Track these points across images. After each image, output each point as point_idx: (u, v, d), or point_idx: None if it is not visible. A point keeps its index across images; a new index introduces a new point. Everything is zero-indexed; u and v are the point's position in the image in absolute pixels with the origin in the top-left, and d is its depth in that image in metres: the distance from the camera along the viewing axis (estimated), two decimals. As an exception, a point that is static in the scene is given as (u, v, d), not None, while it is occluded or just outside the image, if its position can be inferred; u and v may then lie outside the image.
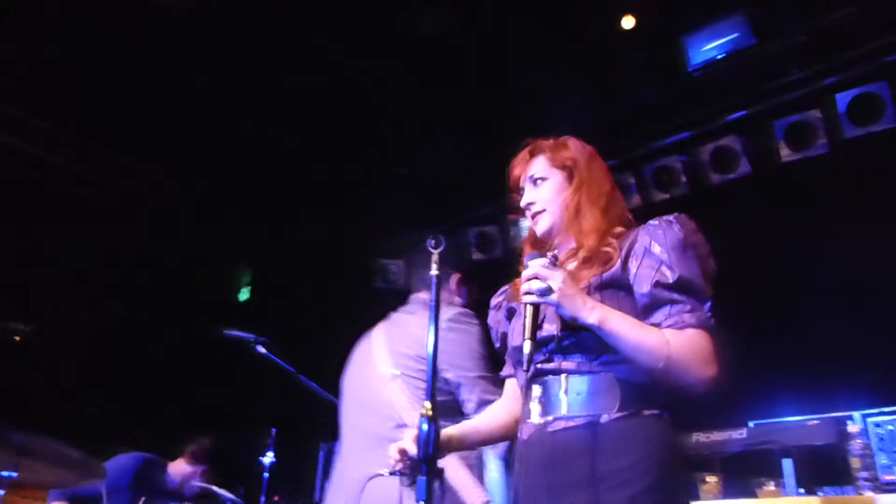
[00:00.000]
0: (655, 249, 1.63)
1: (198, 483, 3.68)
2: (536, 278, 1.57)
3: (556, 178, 1.81)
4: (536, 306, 1.59)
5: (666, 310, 1.59)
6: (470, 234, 4.94)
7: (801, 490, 2.75)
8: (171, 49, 4.11)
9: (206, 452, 3.86)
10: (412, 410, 2.22)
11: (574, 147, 1.86)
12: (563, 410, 1.60)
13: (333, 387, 3.16)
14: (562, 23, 4.04)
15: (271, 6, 3.95)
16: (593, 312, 1.55)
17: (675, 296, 1.58)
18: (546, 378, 1.66)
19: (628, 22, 4.01)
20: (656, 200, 4.50)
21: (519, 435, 1.73)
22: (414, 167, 5.12)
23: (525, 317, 1.58)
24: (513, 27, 4.07)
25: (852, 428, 2.68)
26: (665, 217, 1.69)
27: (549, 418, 1.62)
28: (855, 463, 2.53)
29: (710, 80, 4.19)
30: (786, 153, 4.08)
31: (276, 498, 3.62)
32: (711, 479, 2.87)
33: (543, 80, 4.44)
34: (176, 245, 5.63)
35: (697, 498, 2.80)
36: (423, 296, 2.55)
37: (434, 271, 1.61)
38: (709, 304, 1.59)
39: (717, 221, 4.41)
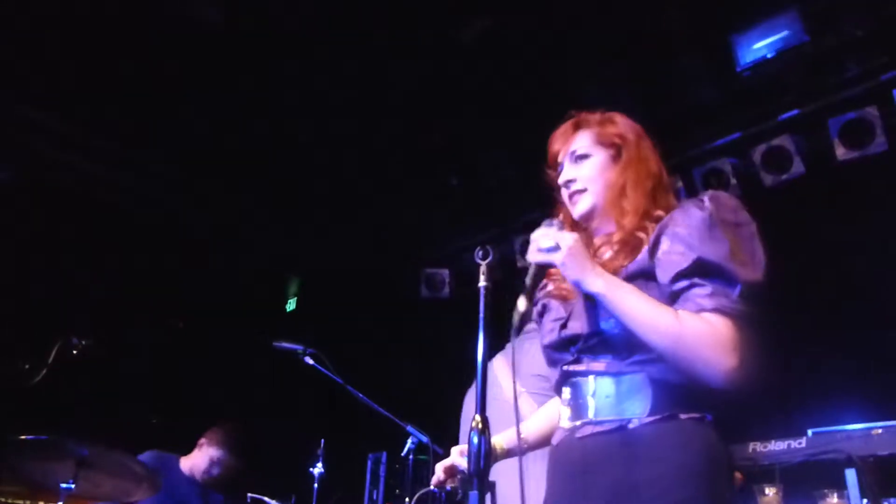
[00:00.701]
0: (681, 231, 1.49)
1: (217, 470, 3.66)
2: (546, 237, 1.51)
3: (601, 155, 1.70)
4: (542, 267, 1.52)
5: (685, 295, 1.45)
6: (515, 241, 4.92)
7: (866, 501, 2.64)
8: (210, 59, 4.19)
9: (229, 438, 3.76)
10: None
11: (622, 123, 1.75)
12: (591, 414, 1.52)
13: (381, 397, 3.18)
14: (613, 24, 3.98)
15: (314, 21, 4.00)
16: (598, 279, 1.45)
17: (696, 279, 1.44)
18: (576, 380, 1.57)
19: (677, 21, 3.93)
20: (706, 204, 4.39)
21: (552, 440, 1.66)
22: (462, 176, 5.13)
23: (529, 276, 1.50)
24: (565, 28, 4.02)
25: (922, 438, 2.56)
26: (701, 195, 1.57)
27: (578, 423, 1.54)
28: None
29: (761, 80, 4.09)
30: (841, 152, 3.95)
31: (326, 507, 3.64)
32: (770, 490, 2.78)
33: (593, 82, 4.38)
34: (227, 257, 5.77)
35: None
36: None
37: (482, 283, 1.60)
38: (739, 287, 1.42)
39: (771, 224, 4.33)
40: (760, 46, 3.90)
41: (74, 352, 3.22)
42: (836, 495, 2.60)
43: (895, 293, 3.91)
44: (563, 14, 3.92)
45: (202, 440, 3.81)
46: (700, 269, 1.44)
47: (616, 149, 1.70)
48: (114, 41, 4.04)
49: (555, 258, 1.50)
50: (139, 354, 5.56)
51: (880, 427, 2.81)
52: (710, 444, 1.45)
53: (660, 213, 1.60)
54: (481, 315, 1.55)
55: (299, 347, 3.10)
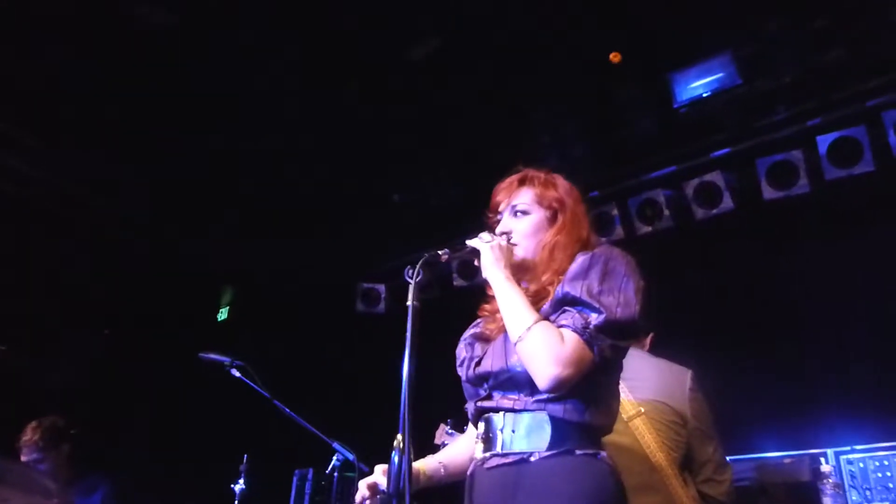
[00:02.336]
0: (567, 276, 1.68)
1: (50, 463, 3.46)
2: (488, 234, 1.76)
3: (539, 215, 1.83)
4: (473, 251, 1.73)
5: (556, 319, 1.62)
6: (453, 261, 4.92)
7: (776, 530, 2.74)
8: (161, 60, 4.09)
9: (34, 434, 3.54)
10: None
11: (563, 187, 1.87)
12: (499, 447, 1.62)
13: (310, 412, 3.13)
14: (556, 55, 4.08)
15: (253, 31, 3.96)
16: (500, 273, 1.68)
17: (565, 307, 1.63)
18: (488, 415, 1.68)
19: (617, 57, 4.06)
20: (640, 233, 4.53)
21: (468, 471, 1.73)
22: (404, 193, 5.14)
23: (460, 251, 1.73)
24: (508, 58, 4.10)
25: (825, 468, 2.68)
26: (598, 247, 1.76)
27: (488, 455, 1.64)
28: (826, 502, 2.52)
29: (697, 117, 4.25)
30: (768, 192, 4.13)
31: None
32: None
33: (538, 111, 4.48)
34: (159, 266, 5.60)
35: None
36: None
37: (410, 301, 1.60)
38: (601, 316, 1.57)
39: (700, 255, 4.51)
40: (697, 86, 4.06)
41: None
42: (746, 522, 2.69)
43: (813, 328, 4.10)
44: (510, 43, 4.00)
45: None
46: (567, 301, 1.63)
47: (553, 212, 1.83)
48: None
49: (482, 246, 1.72)
50: (62, 362, 5.33)
51: (790, 457, 2.92)
52: (602, 479, 1.56)
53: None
54: (409, 333, 1.56)
55: (226, 359, 3.03)
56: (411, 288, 1.61)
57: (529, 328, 1.56)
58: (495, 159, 4.32)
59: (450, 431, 2.88)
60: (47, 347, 5.18)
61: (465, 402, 1.84)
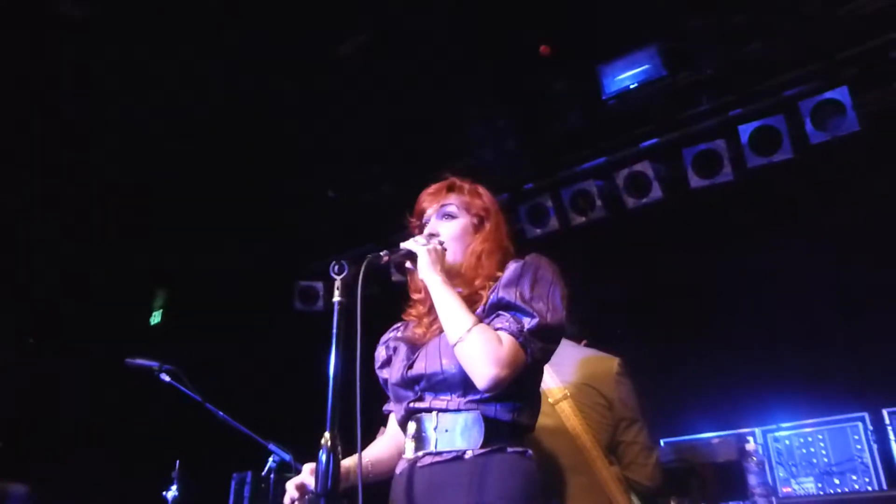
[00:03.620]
0: (500, 282, 1.75)
1: None
2: (423, 237, 1.81)
3: (465, 220, 1.90)
4: (408, 254, 1.77)
5: (491, 322, 1.68)
6: (391, 263, 4.89)
7: (706, 506, 2.83)
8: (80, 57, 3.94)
9: None
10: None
11: (487, 197, 1.96)
12: (432, 446, 1.66)
13: (247, 414, 3.07)
14: (485, 50, 4.10)
15: (188, 16, 3.85)
16: (437, 276, 1.72)
17: (499, 311, 1.69)
18: (420, 415, 1.71)
19: (547, 50, 4.12)
20: (574, 224, 4.60)
21: (395, 470, 1.76)
22: (340, 190, 5.09)
23: (396, 253, 1.76)
24: (439, 53, 4.10)
25: (750, 446, 2.79)
26: (527, 256, 1.81)
27: (420, 454, 1.68)
28: (752, 479, 2.63)
29: (625, 108, 4.34)
30: (694, 180, 4.25)
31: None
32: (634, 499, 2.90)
33: (470, 105, 4.50)
34: (91, 267, 5.40)
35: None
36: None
37: (336, 297, 1.59)
38: (533, 320, 1.64)
39: (631, 243, 4.62)
40: (624, 77, 4.15)
41: None
42: (676, 501, 2.77)
43: (741, 312, 4.26)
44: (442, 35, 4.00)
45: None
46: (502, 305, 1.70)
47: (479, 219, 1.91)
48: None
49: (419, 250, 1.76)
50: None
51: (719, 437, 3.03)
52: (531, 475, 1.65)
53: (500, 274, 1.81)
54: (334, 329, 1.55)
55: (154, 364, 2.94)
56: (337, 284, 1.60)
57: (469, 330, 1.62)
58: (428, 154, 4.37)
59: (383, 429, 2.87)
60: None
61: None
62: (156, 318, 6.08)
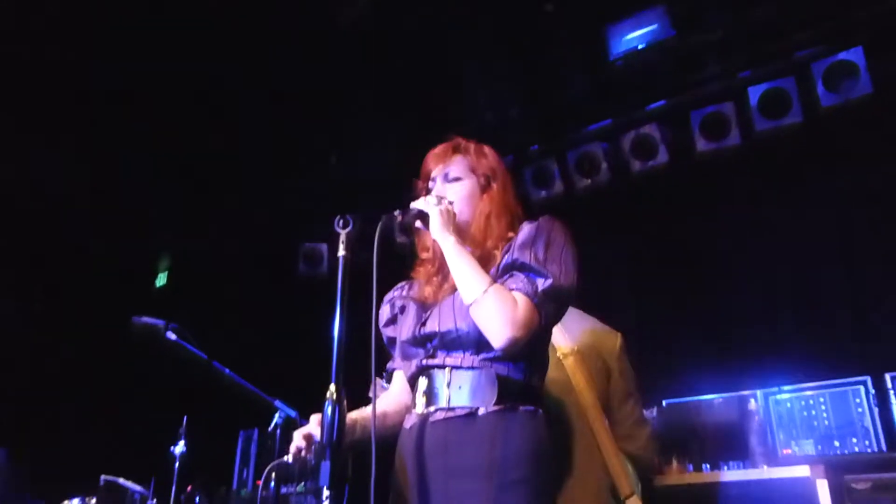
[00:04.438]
0: (514, 244, 1.75)
1: None
2: (434, 197, 1.80)
3: (472, 182, 1.89)
4: (420, 213, 1.76)
5: (505, 283, 1.69)
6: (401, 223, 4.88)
7: (707, 465, 2.86)
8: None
9: None
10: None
11: (493, 158, 1.94)
12: (444, 402, 1.68)
13: (252, 375, 3.09)
14: (488, 10, 4.03)
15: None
16: (450, 238, 1.72)
17: (514, 272, 1.70)
18: (432, 371, 1.73)
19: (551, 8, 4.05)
20: (579, 187, 4.57)
21: (404, 425, 1.79)
22: (343, 153, 5.06)
23: (409, 214, 1.76)
24: (441, 15, 4.04)
25: (752, 406, 2.80)
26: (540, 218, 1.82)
27: (432, 409, 1.69)
28: (753, 440, 2.65)
29: (632, 70, 4.28)
30: (701, 143, 4.21)
31: (188, 488, 3.52)
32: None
33: (473, 68, 4.44)
34: (92, 231, 5.41)
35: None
36: None
37: (341, 252, 1.59)
38: (547, 281, 1.65)
39: (636, 207, 4.60)
40: (632, 38, 4.08)
41: None
42: (678, 460, 2.80)
43: (745, 276, 4.26)
44: (443, 2, 3.93)
45: None
46: (516, 266, 1.70)
47: (486, 179, 1.90)
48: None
49: (431, 210, 1.75)
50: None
51: (721, 398, 3.05)
52: (541, 435, 1.67)
53: (511, 235, 1.82)
54: (339, 284, 1.55)
55: (160, 322, 2.94)
56: (341, 238, 1.59)
57: (485, 291, 1.62)
58: (431, 117, 4.33)
59: (385, 385, 2.89)
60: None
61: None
62: (160, 280, 6.09)
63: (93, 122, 4.56)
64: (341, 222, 1.61)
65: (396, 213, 1.75)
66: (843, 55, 3.72)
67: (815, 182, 4.14)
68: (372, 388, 1.61)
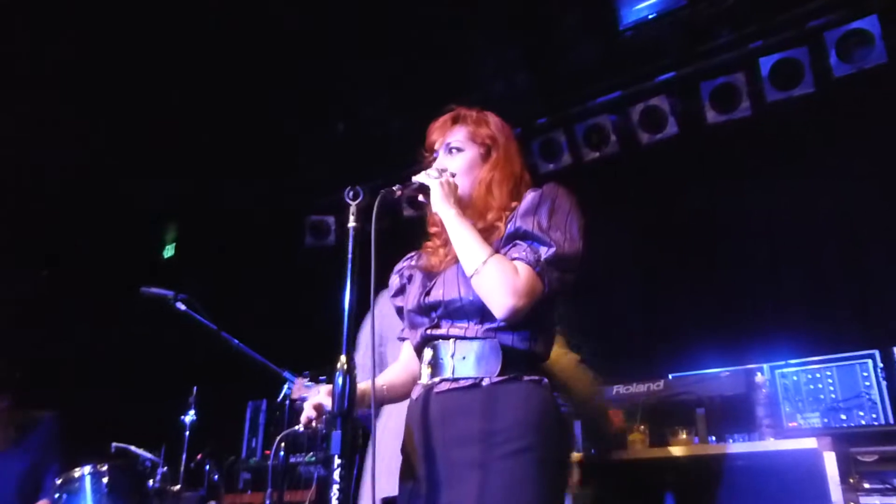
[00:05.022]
0: (518, 212, 1.73)
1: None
2: (434, 169, 1.80)
3: (473, 152, 1.87)
4: (421, 187, 1.76)
5: (508, 252, 1.68)
6: (403, 197, 4.87)
7: (713, 438, 2.88)
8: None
9: None
10: None
11: (495, 125, 1.91)
12: (449, 373, 1.68)
13: (260, 346, 3.11)
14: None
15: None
16: (452, 209, 1.72)
17: (516, 241, 1.69)
18: (437, 342, 1.73)
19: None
20: (587, 159, 4.54)
21: (411, 395, 1.80)
22: (349, 124, 5.03)
23: (408, 188, 1.75)
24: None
25: (759, 378, 2.81)
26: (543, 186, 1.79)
27: (437, 380, 1.70)
28: (760, 412, 2.65)
29: (642, 41, 4.22)
30: (711, 115, 4.17)
31: (198, 456, 3.57)
32: (639, 429, 2.96)
33: (478, 39, 4.38)
34: (98, 202, 5.42)
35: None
36: None
37: (351, 223, 1.58)
38: (550, 249, 1.65)
39: (645, 180, 4.57)
40: (642, 7, 4.02)
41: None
42: (685, 432, 2.82)
43: (752, 249, 4.23)
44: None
45: None
46: (519, 235, 1.69)
47: (486, 148, 1.88)
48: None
49: (431, 183, 1.74)
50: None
51: (727, 371, 3.05)
52: (546, 403, 1.67)
53: (515, 203, 1.79)
54: (350, 254, 1.54)
55: (170, 293, 2.96)
56: (351, 209, 1.59)
57: (485, 262, 1.62)
58: (437, 88, 4.29)
59: (307, 384, 2.93)
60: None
61: None
62: (168, 251, 6.11)
63: (106, 91, 4.54)
64: (351, 193, 1.60)
65: (396, 187, 1.73)
66: (857, 24, 3.66)
67: (825, 154, 4.09)
68: (372, 364, 1.60)
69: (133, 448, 3.22)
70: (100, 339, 5.30)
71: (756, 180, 4.28)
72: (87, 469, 2.92)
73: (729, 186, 4.36)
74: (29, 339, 4.93)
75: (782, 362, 3.40)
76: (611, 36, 4.16)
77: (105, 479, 2.89)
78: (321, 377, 3.15)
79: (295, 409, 3.12)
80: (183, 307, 2.95)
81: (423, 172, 1.80)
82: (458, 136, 1.88)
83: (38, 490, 3.33)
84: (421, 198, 1.79)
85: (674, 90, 4.33)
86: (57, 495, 2.93)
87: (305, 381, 2.92)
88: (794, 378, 3.40)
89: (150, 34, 4.21)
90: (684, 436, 2.78)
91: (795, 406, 3.33)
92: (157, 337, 4.77)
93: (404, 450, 1.76)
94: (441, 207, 1.73)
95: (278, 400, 2.93)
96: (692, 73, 4.26)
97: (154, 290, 3.00)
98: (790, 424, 3.24)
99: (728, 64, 4.14)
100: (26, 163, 5.04)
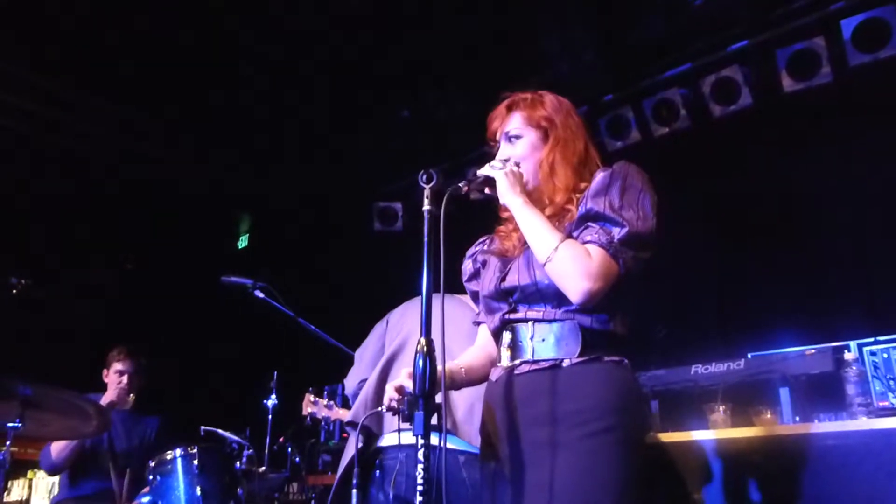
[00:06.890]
0: (588, 194, 1.72)
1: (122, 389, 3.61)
2: (499, 160, 1.80)
3: (531, 136, 1.86)
4: (486, 180, 1.76)
5: (580, 235, 1.67)
6: (469, 174, 4.87)
7: (798, 418, 2.78)
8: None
9: (120, 353, 3.71)
10: None
11: (550, 104, 1.88)
12: (529, 355, 1.70)
13: (333, 331, 3.19)
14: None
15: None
16: (519, 198, 1.71)
17: (588, 223, 1.68)
18: (515, 325, 1.74)
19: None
20: (657, 135, 4.43)
21: (490, 377, 1.81)
22: (414, 109, 5.05)
23: (474, 182, 1.75)
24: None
25: (848, 356, 2.69)
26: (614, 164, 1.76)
27: (517, 362, 1.71)
28: (850, 390, 2.54)
29: (712, 10, 4.07)
30: (788, 83, 3.99)
31: (280, 439, 3.69)
32: (719, 409, 2.88)
33: (543, 17, 4.31)
34: (173, 193, 5.63)
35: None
36: None
37: (426, 206, 1.60)
38: (623, 230, 1.62)
39: (718, 154, 4.42)
40: (713, -26, 3.87)
41: (14, 291, 3.11)
42: (769, 412, 2.73)
43: (834, 224, 4.05)
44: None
45: (104, 371, 3.76)
46: (590, 216, 1.68)
47: (544, 130, 1.86)
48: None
49: (496, 174, 1.74)
50: (86, 294, 5.46)
51: (813, 349, 2.94)
52: (627, 383, 1.68)
53: (584, 185, 1.77)
54: (425, 238, 1.56)
55: (248, 281, 3.07)
56: (426, 193, 1.60)
57: (556, 248, 1.61)
58: (503, 70, 4.25)
59: (314, 400, 2.96)
60: (71, 281, 5.30)
61: None
62: (242, 242, 6.31)
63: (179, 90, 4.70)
64: (425, 177, 1.61)
65: (462, 183, 1.73)
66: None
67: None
68: (441, 355, 1.59)
69: (220, 431, 3.35)
70: (184, 326, 5.52)
71: (839, 148, 4.08)
72: (179, 451, 3.05)
73: (809, 156, 4.17)
74: (117, 330, 5.19)
75: (871, 339, 3.25)
76: (679, 6, 4.02)
77: (195, 461, 3.01)
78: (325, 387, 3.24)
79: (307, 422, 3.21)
80: (261, 295, 3.05)
81: (487, 165, 1.80)
82: (514, 122, 1.87)
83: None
84: (488, 190, 1.79)
85: (747, 59, 4.16)
86: (151, 477, 3.07)
87: (312, 397, 2.99)
88: (885, 355, 3.24)
89: (214, 29, 4.32)
90: (769, 415, 2.69)
91: (886, 384, 3.17)
92: (239, 324, 4.93)
93: (484, 430, 1.78)
94: (508, 198, 1.73)
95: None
96: (767, 41, 4.08)
97: (234, 279, 3.11)
98: (881, 403, 3.10)
99: (806, 28, 3.94)
100: (108, 161, 5.28)
